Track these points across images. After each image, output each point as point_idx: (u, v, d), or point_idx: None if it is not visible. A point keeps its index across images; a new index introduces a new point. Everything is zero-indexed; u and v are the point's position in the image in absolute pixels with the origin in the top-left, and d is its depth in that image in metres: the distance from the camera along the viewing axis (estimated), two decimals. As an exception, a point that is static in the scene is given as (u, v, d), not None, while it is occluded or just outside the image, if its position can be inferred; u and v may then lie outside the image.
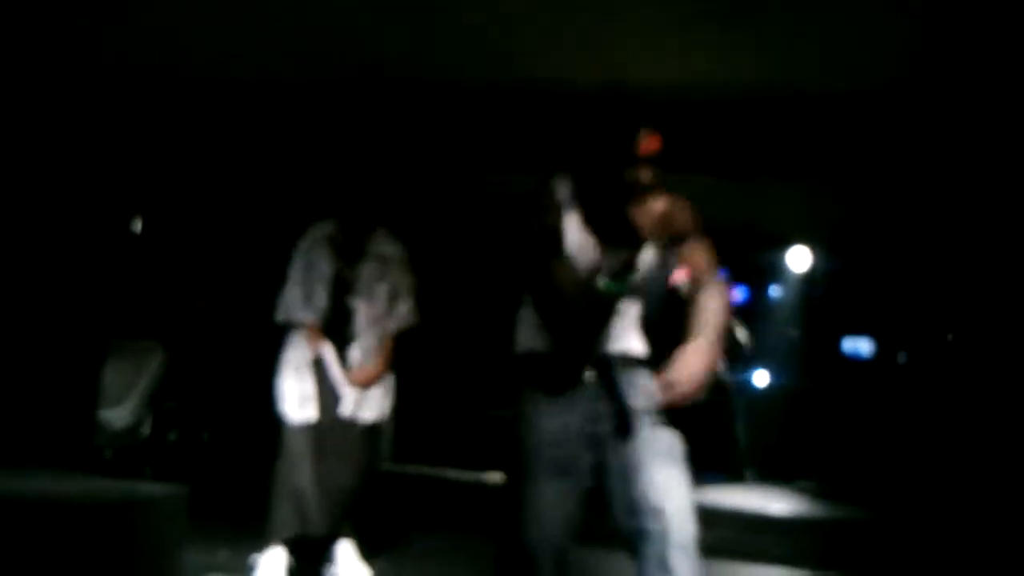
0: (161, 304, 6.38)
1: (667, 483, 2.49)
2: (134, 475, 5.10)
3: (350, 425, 3.82)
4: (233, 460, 6.13)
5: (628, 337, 2.64)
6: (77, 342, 4.86)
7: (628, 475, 2.51)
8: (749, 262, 8.71)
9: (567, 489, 2.54)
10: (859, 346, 8.90)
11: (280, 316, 3.95)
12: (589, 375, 2.59)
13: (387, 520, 4.51)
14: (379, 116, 5.80)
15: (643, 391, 2.57)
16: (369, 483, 3.92)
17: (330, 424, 3.81)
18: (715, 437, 5.46)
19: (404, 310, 3.98)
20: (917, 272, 8.32)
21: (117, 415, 5.22)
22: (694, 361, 2.43)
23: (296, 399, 3.82)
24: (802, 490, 7.14)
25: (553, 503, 2.52)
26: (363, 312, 3.90)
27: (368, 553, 3.98)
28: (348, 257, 3.95)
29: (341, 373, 3.85)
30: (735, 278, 9.00)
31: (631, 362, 2.61)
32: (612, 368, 2.60)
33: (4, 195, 4.56)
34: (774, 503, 6.49)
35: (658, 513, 2.45)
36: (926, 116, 5.82)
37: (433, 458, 7.06)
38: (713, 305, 2.55)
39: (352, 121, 5.85)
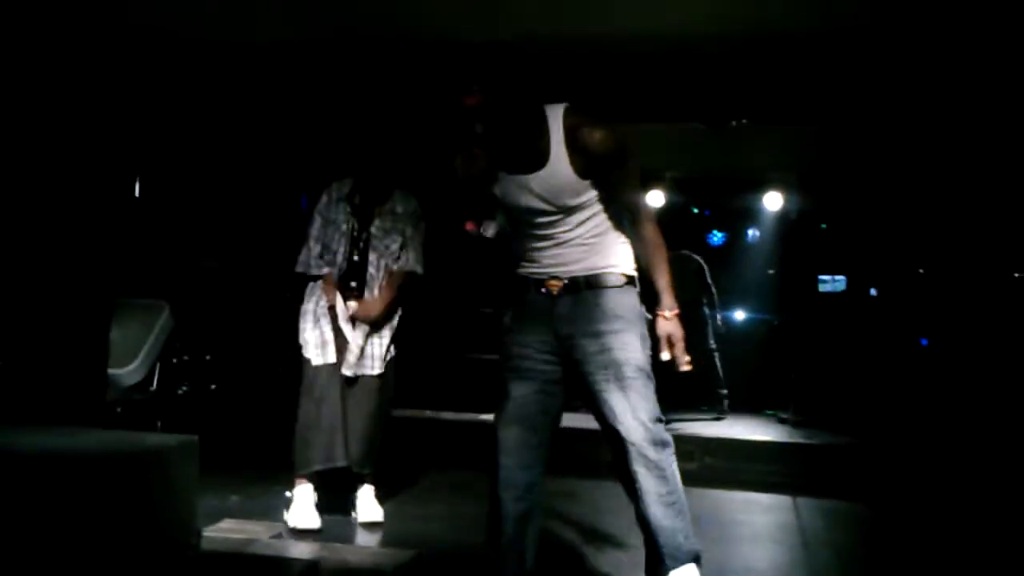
0: (168, 262, 6.52)
1: (618, 403, 2.80)
2: (146, 428, 5.28)
3: (356, 375, 4.09)
4: (241, 410, 6.34)
5: (595, 259, 2.91)
6: (85, 303, 5.00)
7: (590, 391, 2.85)
8: (726, 205, 8.95)
9: (530, 394, 2.90)
10: (833, 283, 9.17)
11: (299, 269, 4.21)
12: (556, 294, 2.91)
13: (394, 462, 4.75)
14: (396, 76, 5.91)
15: (606, 311, 2.86)
16: (383, 429, 4.16)
17: (341, 372, 4.07)
18: (697, 370, 5.70)
19: (410, 257, 4.21)
20: (888, 210, 8.56)
21: (127, 372, 5.38)
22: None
23: (318, 344, 4.08)
24: (780, 419, 7.40)
25: (519, 404, 2.90)
26: (375, 266, 4.15)
27: (381, 495, 4.23)
28: (364, 215, 4.19)
29: (350, 323, 4.11)
30: (714, 221, 9.27)
31: (599, 282, 2.89)
32: (580, 289, 2.88)
33: (7, 158, 4.67)
34: (754, 432, 6.75)
35: (615, 430, 2.80)
36: (893, 55, 5.99)
37: (419, 402, 7.31)
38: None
39: (368, 81, 5.96)
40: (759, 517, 4.81)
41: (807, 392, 7.67)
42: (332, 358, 4.06)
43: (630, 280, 2.93)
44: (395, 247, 4.19)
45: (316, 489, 4.05)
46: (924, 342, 8.30)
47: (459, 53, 5.78)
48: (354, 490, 4.18)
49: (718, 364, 7.53)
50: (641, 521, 2.84)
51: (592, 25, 5.22)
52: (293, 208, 4.28)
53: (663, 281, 2.90)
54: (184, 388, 6.13)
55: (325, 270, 4.16)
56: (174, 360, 5.99)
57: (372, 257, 4.16)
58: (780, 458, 5.98)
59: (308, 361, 4.09)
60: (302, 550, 3.70)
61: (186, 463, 3.16)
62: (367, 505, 4.15)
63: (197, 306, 6.31)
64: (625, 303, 2.89)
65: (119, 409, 5.38)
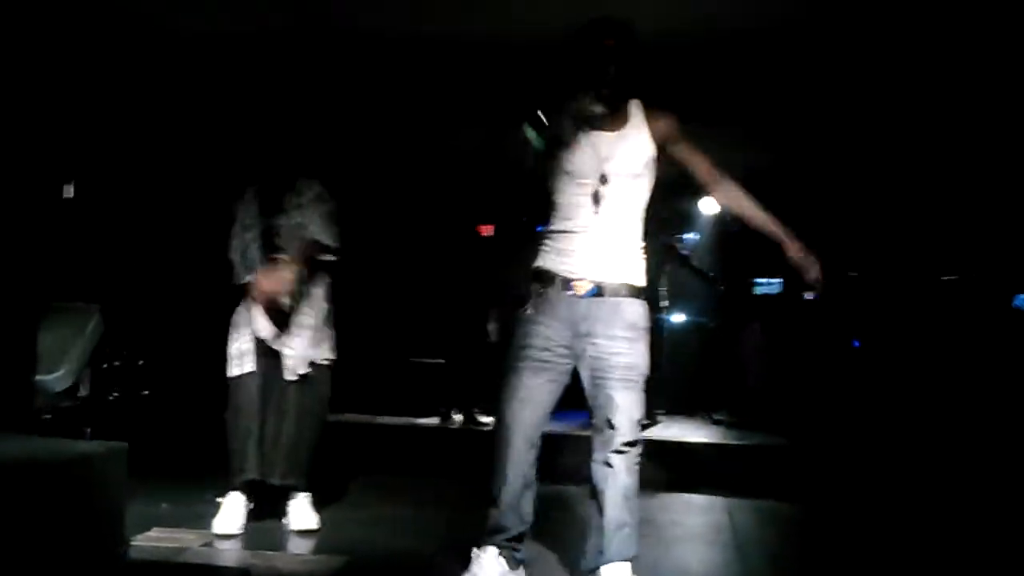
0: (99, 266, 6.40)
1: (621, 401, 3.13)
2: (74, 435, 5.16)
3: (287, 381, 4.03)
4: (174, 416, 6.25)
5: (618, 270, 3.19)
6: (12, 306, 4.88)
7: (596, 385, 3.18)
8: (665, 209, 9.02)
9: (544, 383, 3.21)
10: (769, 286, 9.31)
11: (234, 281, 4.14)
12: (581, 296, 3.18)
13: (329, 468, 4.71)
14: (297, 71, 5.89)
15: (625, 319, 3.17)
16: (316, 436, 4.10)
17: (272, 377, 4.03)
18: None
19: (315, 229, 4.11)
20: (822, 215, 8.70)
21: (55, 378, 5.26)
22: None
23: (236, 355, 4.04)
24: (715, 421, 7.49)
25: (532, 392, 3.20)
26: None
27: (315, 501, 4.18)
28: (272, 210, 4.12)
29: (273, 328, 4.04)
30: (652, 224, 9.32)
31: (620, 291, 3.18)
32: (602, 294, 3.17)
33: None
34: (689, 434, 6.83)
35: (610, 423, 3.14)
36: (827, 60, 6.09)
37: (362, 406, 7.27)
38: None
39: (272, 76, 5.93)
40: (692, 518, 4.86)
41: (741, 394, 7.78)
42: (250, 367, 4.01)
43: (642, 292, 3.24)
44: (304, 236, 4.11)
45: (249, 496, 4.01)
46: (856, 344, 8.47)
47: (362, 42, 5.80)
48: (288, 497, 4.13)
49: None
50: (598, 511, 3.16)
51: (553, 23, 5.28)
52: (226, 210, 4.21)
53: (771, 224, 3.36)
54: (115, 394, 6.02)
55: (247, 278, 4.09)
56: (104, 365, 5.88)
57: (284, 255, 4.09)
58: (714, 459, 6.04)
59: (228, 372, 4.06)
60: (232, 558, 3.66)
61: (114, 470, 3.10)
62: (300, 512, 4.10)
63: (128, 310, 6.20)
64: (641, 313, 3.21)
65: (47, 416, 5.27)
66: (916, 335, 8.02)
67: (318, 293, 4.18)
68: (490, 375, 7.32)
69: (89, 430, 5.44)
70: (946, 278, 8.57)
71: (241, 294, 4.13)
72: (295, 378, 4.03)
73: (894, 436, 6.69)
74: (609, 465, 3.15)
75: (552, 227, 3.27)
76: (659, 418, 7.33)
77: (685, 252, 8.13)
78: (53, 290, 5.29)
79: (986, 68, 5.98)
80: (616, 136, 3.20)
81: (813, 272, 3.31)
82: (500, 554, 3.22)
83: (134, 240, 7.01)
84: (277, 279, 4.02)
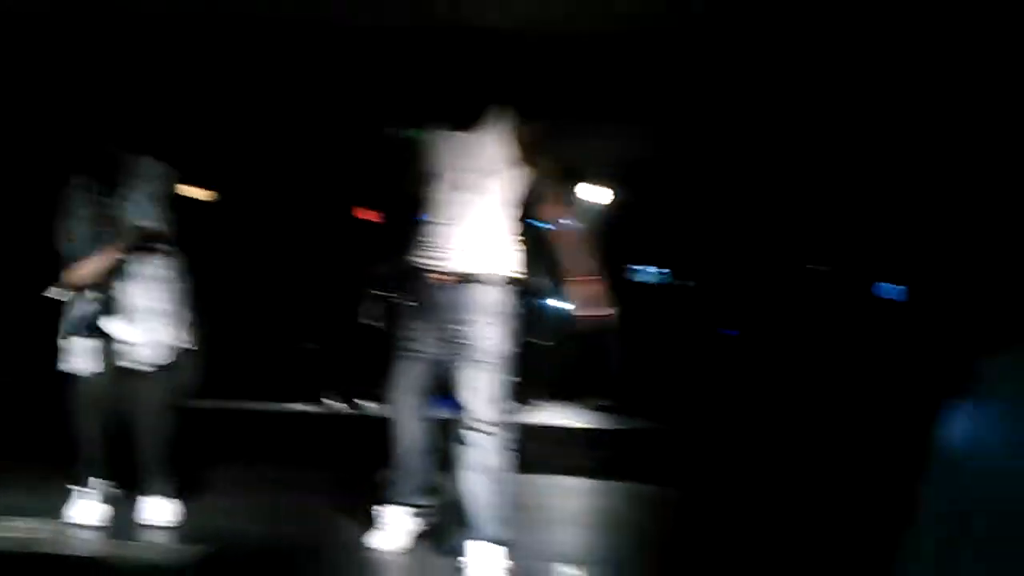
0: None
1: (477, 382, 3.35)
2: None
3: (134, 371, 3.80)
4: (30, 407, 5.95)
5: (479, 260, 3.41)
6: None
7: (457, 367, 3.40)
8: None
9: (420, 369, 3.50)
10: (647, 274, 9.46)
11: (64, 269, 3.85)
12: (445, 285, 3.42)
13: (198, 457, 4.55)
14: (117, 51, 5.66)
15: (483, 305, 3.38)
16: (169, 426, 3.91)
17: (115, 371, 3.80)
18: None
19: (137, 212, 3.83)
20: (702, 204, 8.89)
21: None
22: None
23: (76, 350, 3.80)
24: (595, 406, 7.56)
25: (409, 374, 3.51)
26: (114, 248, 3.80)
27: (180, 491, 3.99)
28: (105, 199, 3.84)
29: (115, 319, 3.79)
30: (532, 212, 9.35)
31: (480, 279, 3.40)
32: (463, 282, 3.40)
33: None
34: (568, 418, 6.87)
35: (466, 402, 3.37)
36: (701, 55, 6.20)
37: (245, 392, 7.08)
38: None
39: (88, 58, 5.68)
40: (568, 501, 4.87)
41: (621, 380, 7.87)
42: (93, 366, 3.79)
43: (504, 280, 3.43)
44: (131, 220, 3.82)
45: (106, 486, 3.84)
46: (731, 332, 8.68)
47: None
48: (144, 490, 3.91)
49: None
50: (463, 490, 3.38)
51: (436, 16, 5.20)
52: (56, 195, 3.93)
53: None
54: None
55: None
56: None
57: (111, 243, 3.80)
58: (591, 443, 6.09)
59: (64, 365, 3.82)
60: (87, 548, 3.53)
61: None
62: (156, 505, 3.89)
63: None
64: (499, 299, 3.41)
65: None
66: (785, 322, 8.27)
67: (156, 277, 3.87)
68: (368, 360, 7.30)
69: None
70: (812, 267, 8.86)
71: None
72: (138, 366, 3.80)
73: (765, 420, 6.87)
74: (465, 443, 3.36)
75: (421, 221, 3.52)
76: (534, 403, 7.34)
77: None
78: None
79: (843, 60, 6.13)
80: (473, 137, 3.45)
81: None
82: (406, 515, 3.60)
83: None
84: (85, 267, 3.75)
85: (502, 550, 3.33)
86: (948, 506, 1.32)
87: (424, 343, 3.48)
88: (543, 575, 3.47)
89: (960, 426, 1.32)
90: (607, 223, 8.76)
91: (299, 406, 7.17)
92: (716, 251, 9.11)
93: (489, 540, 3.33)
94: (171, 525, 3.85)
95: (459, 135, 3.48)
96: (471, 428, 3.35)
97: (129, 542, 3.63)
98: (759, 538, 4.24)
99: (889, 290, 8.83)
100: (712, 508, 4.88)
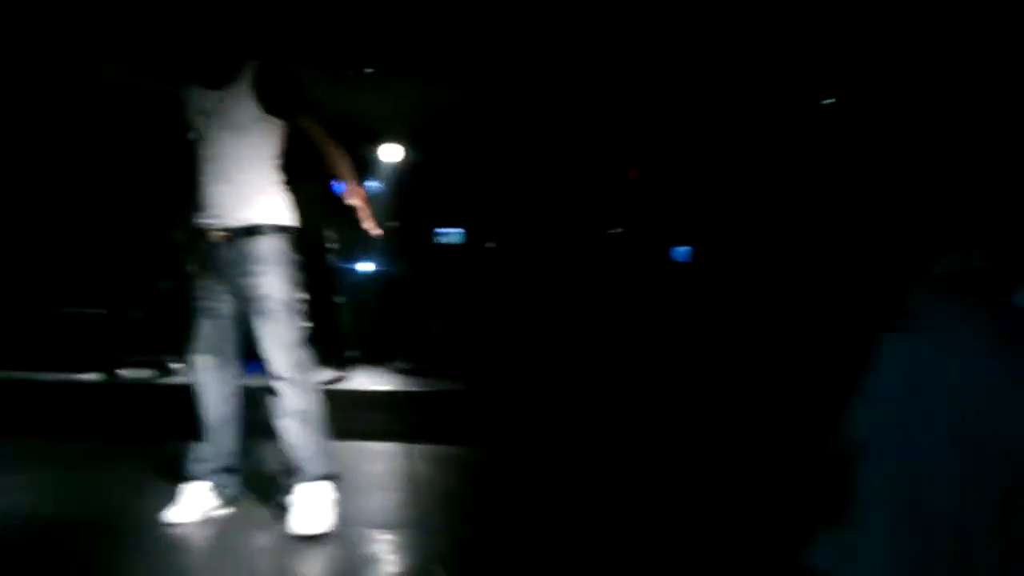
0: None
1: (264, 332, 3.47)
2: None
3: None
4: None
5: (245, 212, 3.50)
6: None
7: (250, 320, 3.51)
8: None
9: (215, 325, 3.57)
10: (450, 235, 9.48)
11: None
12: (219, 241, 3.51)
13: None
14: None
15: (256, 255, 3.48)
16: None
17: None
18: (323, 324, 5.63)
19: None
20: (500, 164, 8.96)
21: None
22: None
23: None
24: (400, 369, 7.52)
25: (207, 334, 3.57)
26: None
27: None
28: None
29: None
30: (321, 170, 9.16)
31: (249, 231, 3.48)
32: (240, 236, 3.48)
33: None
34: (373, 383, 6.81)
35: (264, 353, 3.49)
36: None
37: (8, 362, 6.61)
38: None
39: None
40: (374, 465, 4.84)
41: (424, 341, 7.87)
42: None
43: (279, 229, 3.52)
44: None
45: None
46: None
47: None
48: None
49: (341, 319, 7.48)
50: (282, 439, 3.50)
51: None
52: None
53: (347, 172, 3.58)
54: None
55: None
56: None
57: None
58: (397, 407, 6.06)
59: None
60: None
61: None
62: None
63: None
64: (272, 247, 3.49)
65: None
66: (587, 283, 8.49)
67: None
68: (158, 324, 6.97)
69: None
70: (612, 231, 9.13)
71: None
72: None
73: (568, 381, 7.03)
74: (274, 392, 3.49)
75: (193, 181, 3.59)
76: (347, 370, 7.21)
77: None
78: None
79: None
80: (223, 93, 3.51)
81: (367, 221, 3.63)
82: (209, 488, 3.58)
83: None
84: None
85: (329, 484, 3.55)
86: (880, 441, 1.36)
87: (216, 301, 3.56)
88: (356, 540, 3.44)
89: (897, 358, 1.36)
90: (410, 184, 8.71)
91: (88, 376, 6.75)
92: (516, 214, 9.23)
93: (317, 478, 3.51)
94: None
95: (212, 91, 3.53)
96: (275, 377, 3.47)
97: None
98: (562, 496, 4.35)
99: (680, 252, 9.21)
100: (515, 467, 4.98)
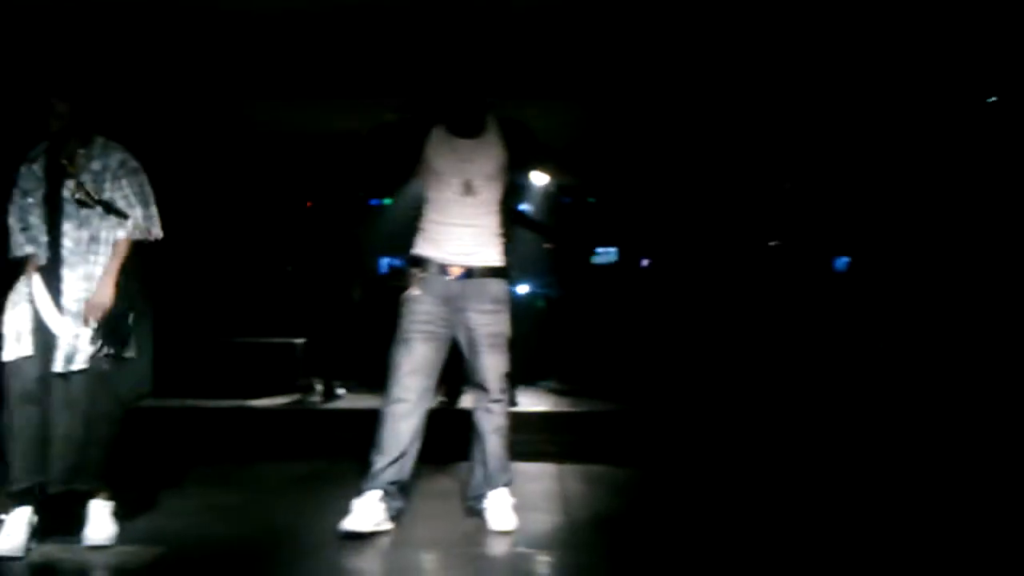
0: None
1: (488, 362, 3.94)
2: None
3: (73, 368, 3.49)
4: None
5: (483, 255, 3.92)
6: None
7: (470, 351, 3.97)
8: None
9: (429, 351, 3.91)
10: (607, 255, 9.49)
11: (8, 255, 3.65)
12: (455, 278, 3.90)
13: (148, 458, 4.51)
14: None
15: (490, 295, 3.93)
16: (116, 429, 3.58)
17: (48, 367, 3.49)
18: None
19: (135, 219, 3.60)
20: (652, 184, 8.91)
21: None
22: None
23: (13, 336, 3.51)
24: (551, 389, 7.56)
25: (419, 360, 3.88)
26: (71, 238, 3.57)
27: (114, 508, 3.67)
28: (56, 178, 3.59)
29: (52, 308, 3.52)
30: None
31: (486, 273, 3.93)
32: (471, 276, 3.90)
33: None
34: (525, 403, 6.86)
35: (482, 380, 3.98)
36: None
37: (190, 390, 7.01)
38: None
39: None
40: (524, 486, 4.87)
41: (577, 361, 7.88)
42: (28, 350, 3.49)
43: (504, 271, 3.98)
44: (99, 211, 3.56)
45: (37, 508, 3.50)
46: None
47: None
48: (83, 505, 3.60)
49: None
50: (480, 449, 4.01)
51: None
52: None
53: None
54: None
55: (28, 249, 3.58)
56: None
57: (67, 227, 3.56)
58: (547, 427, 6.09)
59: (2, 356, 3.54)
60: (36, 552, 3.47)
61: None
62: (96, 524, 3.58)
63: None
64: (503, 289, 3.99)
65: None
66: (745, 299, 8.32)
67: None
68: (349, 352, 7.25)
69: None
70: (772, 244, 8.92)
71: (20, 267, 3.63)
72: (80, 367, 3.49)
73: (726, 401, 6.89)
74: (488, 412, 3.99)
75: (426, 219, 3.96)
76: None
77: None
78: None
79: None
80: (475, 143, 3.91)
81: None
82: (381, 499, 3.80)
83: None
84: (94, 303, 3.49)
85: (508, 490, 4.03)
86: None
87: (438, 327, 3.91)
88: (517, 560, 3.61)
89: None
90: (562, 205, 8.76)
91: (250, 402, 7.08)
92: (673, 229, 9.15)
93: (503, 486, 4.01)
94: (110, 543, 3.59)
95: (464, 139, 3.91)
96: (490, 400, 3.97)
97: (82, 547, 3.55)
98: (716, 520, 4.28)
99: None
100: (668, 489, 4.93)
